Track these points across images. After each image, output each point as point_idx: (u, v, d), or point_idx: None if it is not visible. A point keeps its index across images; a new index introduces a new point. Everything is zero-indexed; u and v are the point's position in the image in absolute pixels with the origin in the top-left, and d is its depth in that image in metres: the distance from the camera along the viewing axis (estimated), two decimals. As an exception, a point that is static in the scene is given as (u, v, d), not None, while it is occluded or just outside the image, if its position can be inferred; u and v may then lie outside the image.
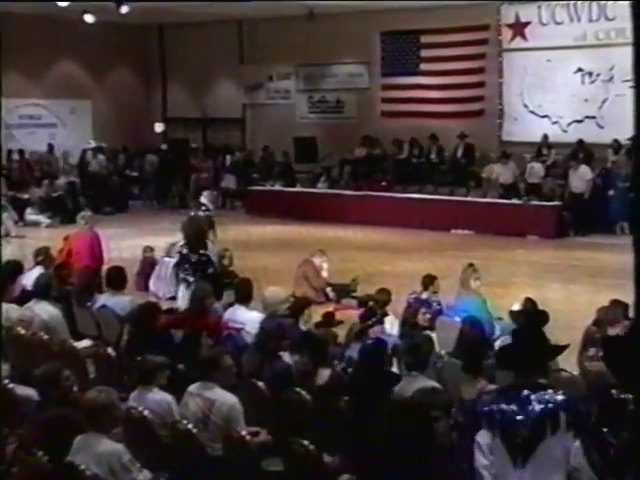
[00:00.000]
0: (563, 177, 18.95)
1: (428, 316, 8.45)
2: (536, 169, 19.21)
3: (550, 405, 4.19)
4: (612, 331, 6.87)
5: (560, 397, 4.22)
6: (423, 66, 21.95)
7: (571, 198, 18.29)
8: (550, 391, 4.26)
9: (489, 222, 18.03)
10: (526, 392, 4.22)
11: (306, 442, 4.99)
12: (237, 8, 20.76)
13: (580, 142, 19.29)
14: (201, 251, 10.77)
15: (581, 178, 18.33)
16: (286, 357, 6.79)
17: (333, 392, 5.94)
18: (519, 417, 4.19)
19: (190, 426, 5.52)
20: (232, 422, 5.66)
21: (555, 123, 20.30)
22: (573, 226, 18.05)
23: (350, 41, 22.28)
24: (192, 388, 5.91)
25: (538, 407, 4.17)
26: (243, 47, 25.02)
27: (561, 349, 4.63)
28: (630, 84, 17.61)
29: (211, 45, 24.55)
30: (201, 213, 11.53)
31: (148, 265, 12.95)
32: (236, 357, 6.59)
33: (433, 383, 5.75)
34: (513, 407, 4.21)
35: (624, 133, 18.48)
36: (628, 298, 8.17)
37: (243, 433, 5.46)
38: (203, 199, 12.03)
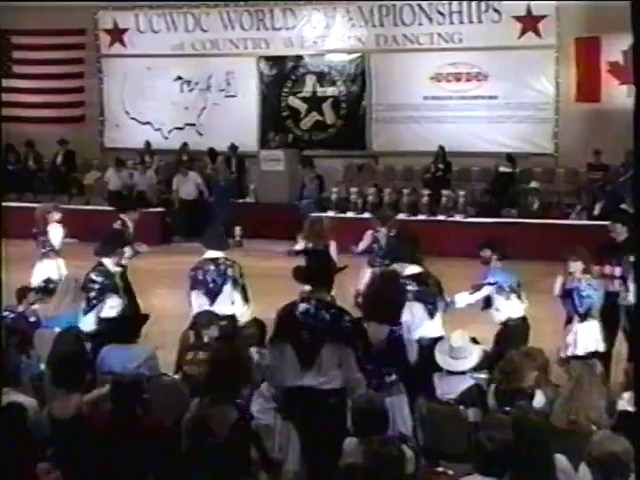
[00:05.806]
0: (167, 183, 19.11)
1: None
2: (146, 177, 19.10)
3: None
4: (206, 333, 6.99)
5: None
6: (16, 69, 20.87)
7: (181, 204, 18.44)
8: None
9: (94, 230, 17.49)
10: None
11: None
12: None
13: (185, 145, 19.61)
14: None
15: (192, 183, 18.61)
16: None
17: None
18: None
19: None
20: None
21: (157, 130, 20.46)
22: (182, 232, 18.17)
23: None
24: None
25: None
26: None
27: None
28: (225, 94, 17.83)
29: None
30: None
31: None
32: None
33: (24, 398, 5.34)
34: None
35: (221, 140, 19.13)
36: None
37: None
38: None
